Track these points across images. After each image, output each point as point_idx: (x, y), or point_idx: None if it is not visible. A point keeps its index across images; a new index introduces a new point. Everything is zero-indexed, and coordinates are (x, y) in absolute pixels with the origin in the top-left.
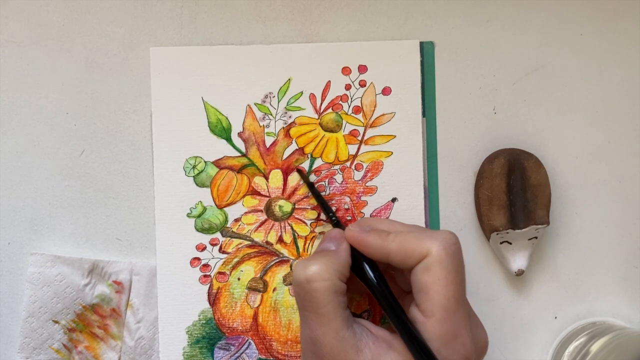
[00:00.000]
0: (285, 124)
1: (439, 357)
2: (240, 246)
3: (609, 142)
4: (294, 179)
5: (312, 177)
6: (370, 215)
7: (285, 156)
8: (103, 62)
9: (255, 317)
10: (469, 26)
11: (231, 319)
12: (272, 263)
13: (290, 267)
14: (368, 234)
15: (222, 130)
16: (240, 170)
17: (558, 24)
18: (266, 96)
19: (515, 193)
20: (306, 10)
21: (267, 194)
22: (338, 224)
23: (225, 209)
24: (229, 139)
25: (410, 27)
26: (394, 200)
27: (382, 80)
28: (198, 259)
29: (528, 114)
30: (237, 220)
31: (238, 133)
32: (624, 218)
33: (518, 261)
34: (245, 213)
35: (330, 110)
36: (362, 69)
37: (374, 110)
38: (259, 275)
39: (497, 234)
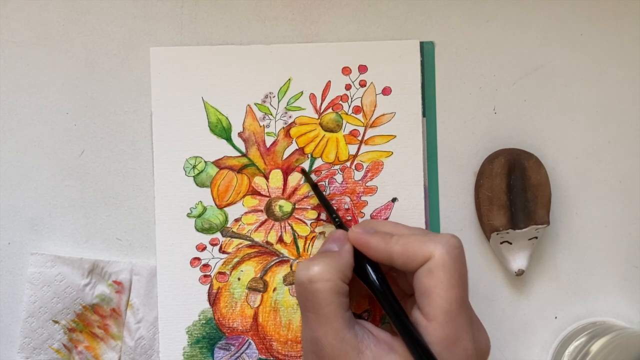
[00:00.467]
0: (285, 124)
1: None
2: (240, 246)
3: (609, 142)
4: (294, 179)
5: (313, 177)
6: (371, 216)
7: (285, 156)
8: (103, 62)
9: (255, 317)
10: (469, 26)
11: (231, 319)
12: (272, 263)
13: (291, 267)
14: (371, 235)
15: (222, 130)
16: (240, 170)
17: (558, 24)
18: (266, 96)
19: (515, 193)
20: (306, 10)
21: (267, 194)
22: (341, 225)
23: (225, 209)
24: (229, 139)
25: (410, 27)
26: (394, 200)
27: (382, 80)
28: (198, 259)
29: (528, 114)
30: (237, 220)
31: (238, 133)
32: (624, 218)
33: (518, 261)
34: (246, 213)
35: (330, 110)
36: (362, 69)
37: (374, 110)
38: (259, 275)
39: (497, 234)
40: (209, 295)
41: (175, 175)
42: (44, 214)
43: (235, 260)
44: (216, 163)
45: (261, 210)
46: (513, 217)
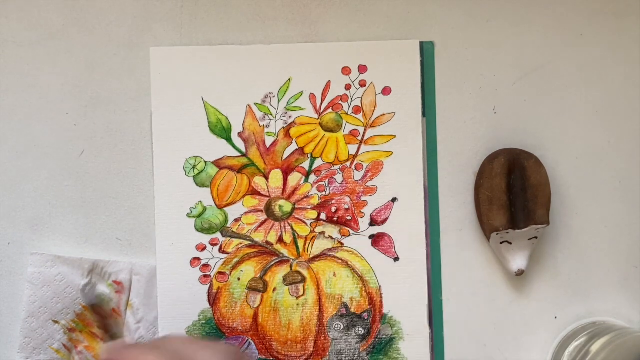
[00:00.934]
0: (285, 124)
1: None
2: (240, 246)
3: (609, 142)
4: (294, 179)
5: (313, 177)
6: (371, 216)
7: (285, 156)
8: (103, 62)
9: (255, 317)
10: (469, 26)
11: (231, 319)
12: (272, 263)
13: (290, 267)
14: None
15: (222, 130)
16: (240, 170)
17: (558, 24)
18: (266, 96)
19: (515, 193)
20: (306, 10)
21: (267, 194)
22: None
23: (225, 209)
24: (229, 139)
25: (410, 27)
26: (394, 200)
27: (382, 80)
28: (198, 259)
29: (528, 114)
30: (237, 220)
31: (238, 133)
32: (624, 218)
33: (518, 261)
34: (245, 213)
35: (330, 110)
36: (362, 69)
37: (374, 110)
38: (259, 275)
39: (497, 234)
40: (209, 296)
41: (175, 175)
42: (44, 214)
43: (235, 260)
44: (216, 163)
45: (261, 210)
46: (513, 217)
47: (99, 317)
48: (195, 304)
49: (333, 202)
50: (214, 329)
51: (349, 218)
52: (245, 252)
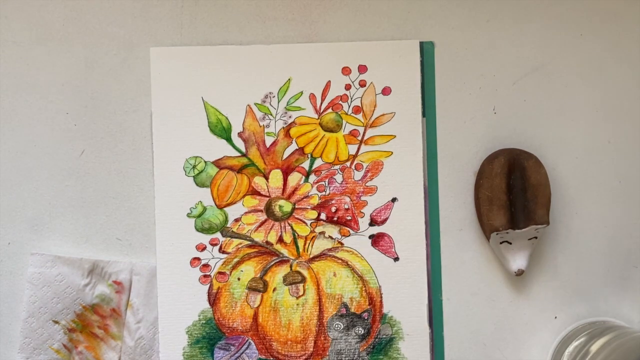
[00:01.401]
0: (285, 124)
1: None
2: (240, 246)
3: (609, 142)
4: (294, 179)
5: (312, 177)
6: (370, 216)
7: (285, 156)
8: (103, 62)
9: (255, 317)
10: (469, 26)
11: (231, 319)
12: (272, 263)
13: (290, 267)
14: None
15: (222, 130)
16: (240, 170)
17: (558, 24)
18: (266, 96)
19: (515, 193)
20: (306, 10)
21: (267, 194)
22: None
23: (225, 209)
24: (229, 139)
25: (410, 27)
26: (394, 200)
27: (382, 80)
28: (198, 259)
29: (528, 114)
30: (237, 220)
31: (238, 133)
32: (624, 218)
33: (518, 261)
34: (245, 213)
35: (330, 110)
36: (362, 69)
37: (374, 110)
38: (259, 275)
39: (497, 234)
40: (209, 295)
41: (175, 175)
42: (44, 214)
43: (235, 260)
44: (216, 163)
45: (261, 210)
46: (513, 217)
47: (99, 317)
48: (195, 304)
49: (333, 202)
50: (214, 329)
51: (349, 218)
52: (245, 252)
